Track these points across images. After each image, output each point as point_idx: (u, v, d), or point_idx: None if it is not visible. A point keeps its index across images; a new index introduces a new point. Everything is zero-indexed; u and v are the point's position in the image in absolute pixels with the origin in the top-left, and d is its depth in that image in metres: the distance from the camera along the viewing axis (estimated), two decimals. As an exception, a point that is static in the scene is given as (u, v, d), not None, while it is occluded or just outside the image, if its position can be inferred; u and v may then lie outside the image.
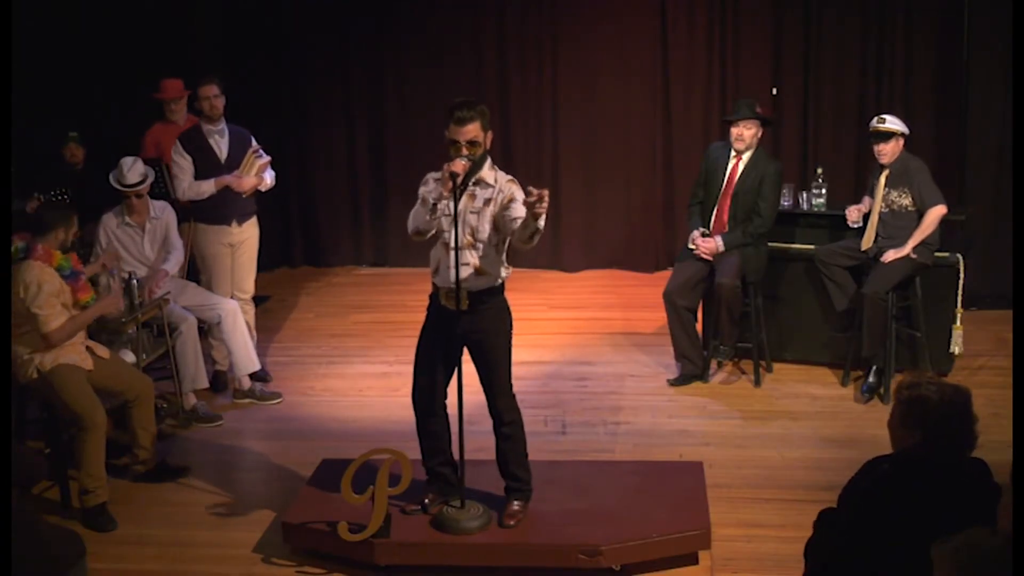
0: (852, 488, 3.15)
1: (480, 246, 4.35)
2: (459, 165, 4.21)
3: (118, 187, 5.97)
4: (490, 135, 4.37)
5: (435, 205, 4.29)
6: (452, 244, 4.28)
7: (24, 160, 6.67)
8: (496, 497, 4.64)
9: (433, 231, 4.38)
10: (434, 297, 4.51)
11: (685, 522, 4.53)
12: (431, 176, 4.43)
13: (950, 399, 3.09)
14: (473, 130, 4.27)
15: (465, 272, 4.32)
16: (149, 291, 5.89)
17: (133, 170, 5.98)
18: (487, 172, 4.38)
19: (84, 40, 8.23)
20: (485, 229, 4.33)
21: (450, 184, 4.21)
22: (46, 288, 4.94)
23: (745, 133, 6.30)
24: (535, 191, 3.99)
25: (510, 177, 4.42)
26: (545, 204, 4.01)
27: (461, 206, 4.30)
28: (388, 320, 7.82)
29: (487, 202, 4.34)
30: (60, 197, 6.71)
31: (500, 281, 4.44)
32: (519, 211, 4.23)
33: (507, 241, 4.40)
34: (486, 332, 4.43)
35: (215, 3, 8.86)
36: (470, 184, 4.34)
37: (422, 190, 4.40)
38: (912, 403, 3.12)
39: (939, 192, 6.11)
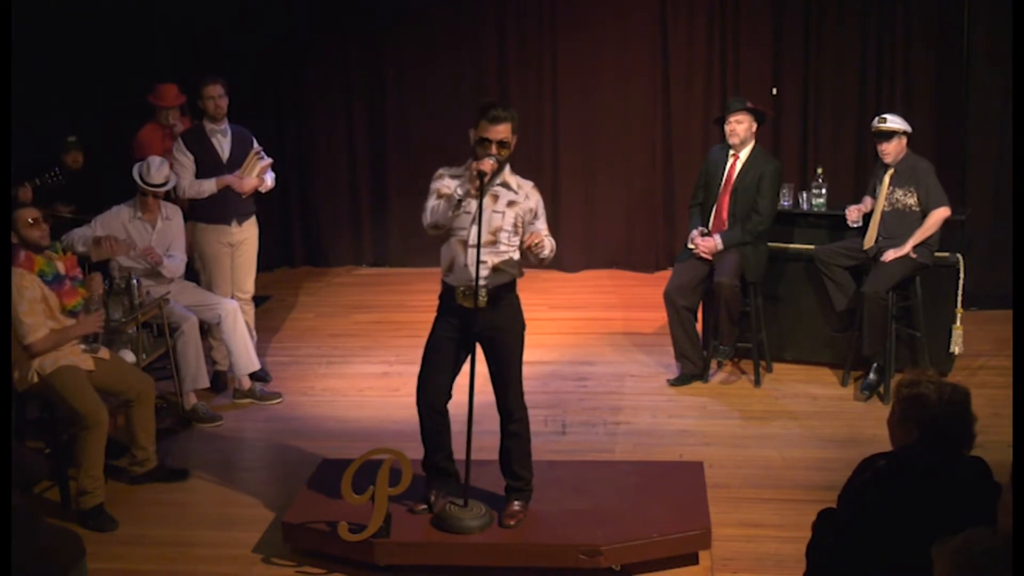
0: (849, 487, 3.15)
1: (500, 245, 4.37)
2: (488, 164, 4.23)
3: (140, 183, 5.99)
4: (515, 139, 4.38)
5: (460, 202, 4.28)
6: (472, 242, 4.29)
7: (23, 163, 6.64)
8: (498, 497, 4.64)
9: (450, 227, 4.38)
10: (446, 297, 4.49)
11: (685, 522, 4.52)
12: (445, 171, 4.45)
13: (948, 398, 3.09)
14: (505, 130, 4.28)
15: (484, 270, 4.32)
16: (145, 251, 5.93)
17: (159, 171, 6.01)
18: (508, 176, 4.41)
19: (82, 40, 8.22)
20: (507, 230, 4.36)
21: (477, 183, 4.22)
22: (27, 295, 4.88)
23: (738, 128, 6.30)
24: (526, 241, 4.35)
25: (532, 184, 4.49)
26: (541, 245, 4.34)
27: (483, 205, 4.31)
28: (388, 320, 7.82)
29: (511, 204, 4.37)
30: (55, 179, 6.69)
31: (514, 278, 4.46)
32: (545, 251, 4.40)
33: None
34: (503, 329, 4.44)
35: (215, 3, 8.86)
36: (495, 184, 4.36)
37: (436, 184, 4.40)
38: (911, 401, 3.12)
39: (944, 194, 6.10)
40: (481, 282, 4.31)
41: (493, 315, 4.39)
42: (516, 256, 4.44)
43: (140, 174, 5.99)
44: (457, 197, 4.27)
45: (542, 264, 4.51)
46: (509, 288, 4.45)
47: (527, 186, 4.44)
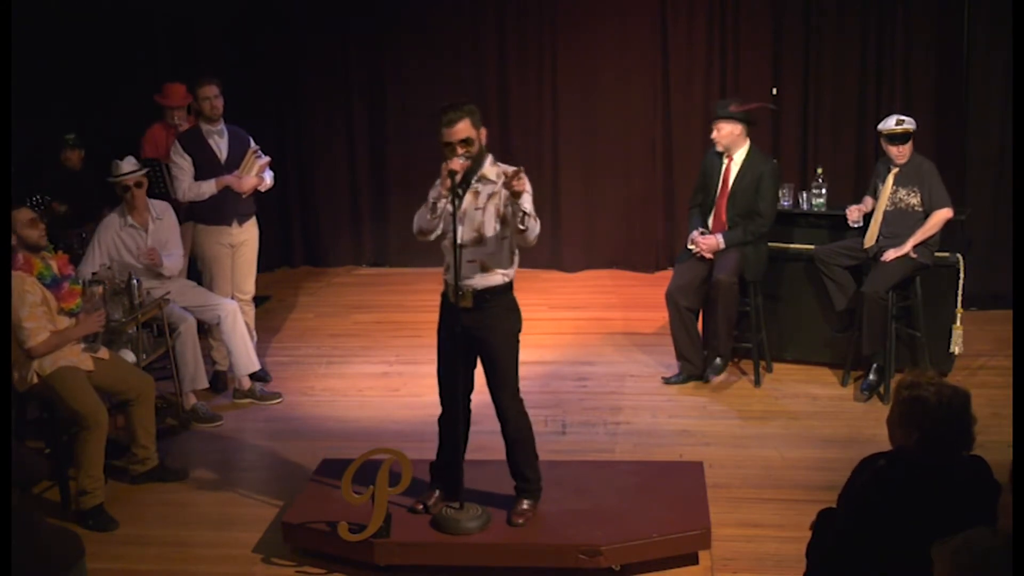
0: (849, 487, 3.15)
1: (486, 243, 4.34)
2: (457, 163, 4.22)
3: (111, 180, 5.98)
4: (484, 132, 4.37)
5: (435, 204, 4.28)
6: (457, 242, 4.29)
7: (22, 162, 6.64)
8: (496, 497, 4.65)
9: (438, 231, 4.38)
10: (444, 294, 4.51)
11: (685, 522, 4.53)
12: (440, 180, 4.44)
13: (948, 401, 3.07)
14: (464, 129, 4.27)
15: (471, 270, 4.32)
16: (148, 252, 5.91)
17: (126, 161, 6.00)
18: (489, 168, 4.37)
19: (82, 40, 8.22)
20: (491, 226, 4.33)
21: (448, 182, 4.21)
22: (28, 299, 4.88)
23: (719, 135, 6.31)
24: (510, 169, 4.11)
25: (514, 168, 4.42)
26: (522, 180, 4.09)
27: (465, 204, 4.31)
28: (388, 320, 7.82)
29: (491, 196, 4.34)
30: (40, 205, 6.68)
31: (508, 280, 4.42)
32: (525, 204, 4.21)
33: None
34: (491, 330, 4.40)
35: (215, 3, 8.86)
36: (473, 182, 4.35)
37: (431, 192, 4.39)
38: (910, 404, 3.11)
39: (947, 196, 6.11)
40: (468, 282, 4.32)
41: (481, 316, 4.38)
42: (508, 253, 4.39)
43: (111, 175, 5.99)
44: (432, 200, 4.28)
45: (526, 236, 4.23)
46: (500, 291, 4.40)
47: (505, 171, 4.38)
